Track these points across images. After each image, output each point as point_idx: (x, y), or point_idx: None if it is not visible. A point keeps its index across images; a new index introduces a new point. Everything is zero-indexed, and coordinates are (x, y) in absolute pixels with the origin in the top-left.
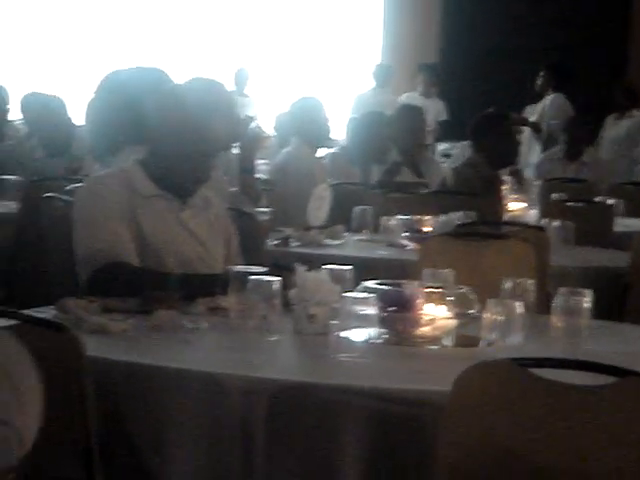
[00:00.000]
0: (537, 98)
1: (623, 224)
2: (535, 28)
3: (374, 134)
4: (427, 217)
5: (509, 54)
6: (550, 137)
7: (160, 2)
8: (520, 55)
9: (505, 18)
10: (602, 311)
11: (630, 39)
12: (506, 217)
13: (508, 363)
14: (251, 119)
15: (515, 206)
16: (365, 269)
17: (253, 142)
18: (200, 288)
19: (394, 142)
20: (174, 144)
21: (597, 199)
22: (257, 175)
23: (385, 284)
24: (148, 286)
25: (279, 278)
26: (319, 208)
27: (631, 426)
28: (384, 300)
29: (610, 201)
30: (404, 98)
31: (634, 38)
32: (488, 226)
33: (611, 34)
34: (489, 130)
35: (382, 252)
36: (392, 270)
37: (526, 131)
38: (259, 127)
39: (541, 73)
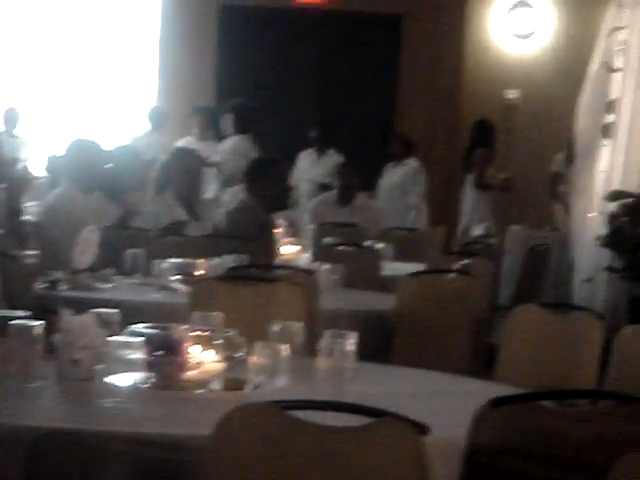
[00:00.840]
0: (222, 138)
1: (391, 268)
2: (310, 75)
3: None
4: (200, 260)
5: (285, 99)
6: (233, 178)
7: None
8: (294, 99)
9: (279, 61)
10: (368, 353)
11: (398, 92)
12: (279, 260)
13: (268, 406)
14: (18, 160)
15: (288, 250)
16: (136, 313)
17: (20, 183)
18: None
19: (169, 185)
20: None
21: (366, 243)
22: (25, 217)
23: (153, 327)
24: None
25: (42, 322)
26: (84, 251)
27: (386, 464)
28: (151, 344)
29: (379, 245)
30: (180, 141)
31: (402, 91)
32: (260, 269)
33: (381, 88)
34: (262, 174)
35: (153, 295)
36: (163, 314)
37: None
38: (26, 168)
39: (227, 115)
